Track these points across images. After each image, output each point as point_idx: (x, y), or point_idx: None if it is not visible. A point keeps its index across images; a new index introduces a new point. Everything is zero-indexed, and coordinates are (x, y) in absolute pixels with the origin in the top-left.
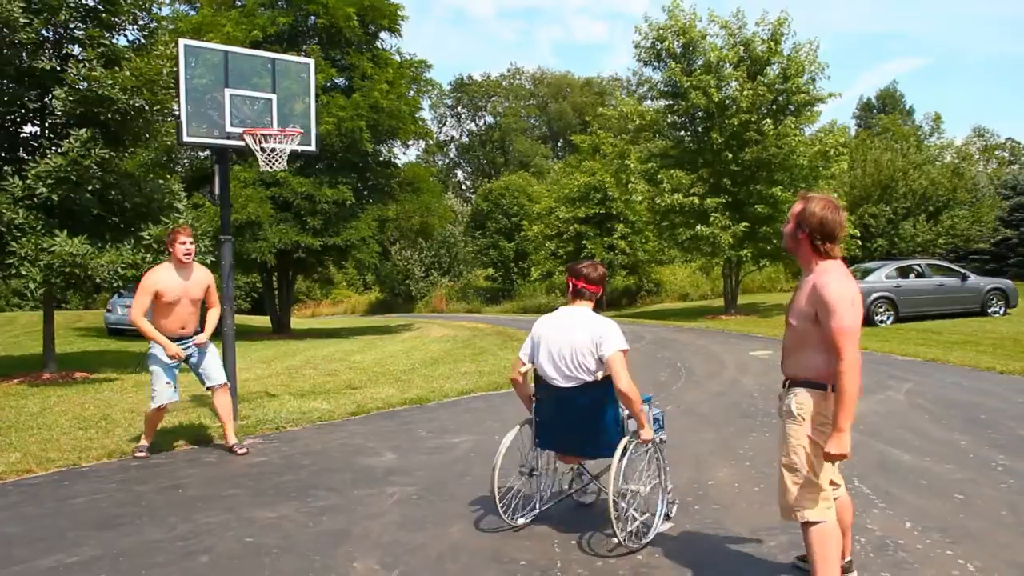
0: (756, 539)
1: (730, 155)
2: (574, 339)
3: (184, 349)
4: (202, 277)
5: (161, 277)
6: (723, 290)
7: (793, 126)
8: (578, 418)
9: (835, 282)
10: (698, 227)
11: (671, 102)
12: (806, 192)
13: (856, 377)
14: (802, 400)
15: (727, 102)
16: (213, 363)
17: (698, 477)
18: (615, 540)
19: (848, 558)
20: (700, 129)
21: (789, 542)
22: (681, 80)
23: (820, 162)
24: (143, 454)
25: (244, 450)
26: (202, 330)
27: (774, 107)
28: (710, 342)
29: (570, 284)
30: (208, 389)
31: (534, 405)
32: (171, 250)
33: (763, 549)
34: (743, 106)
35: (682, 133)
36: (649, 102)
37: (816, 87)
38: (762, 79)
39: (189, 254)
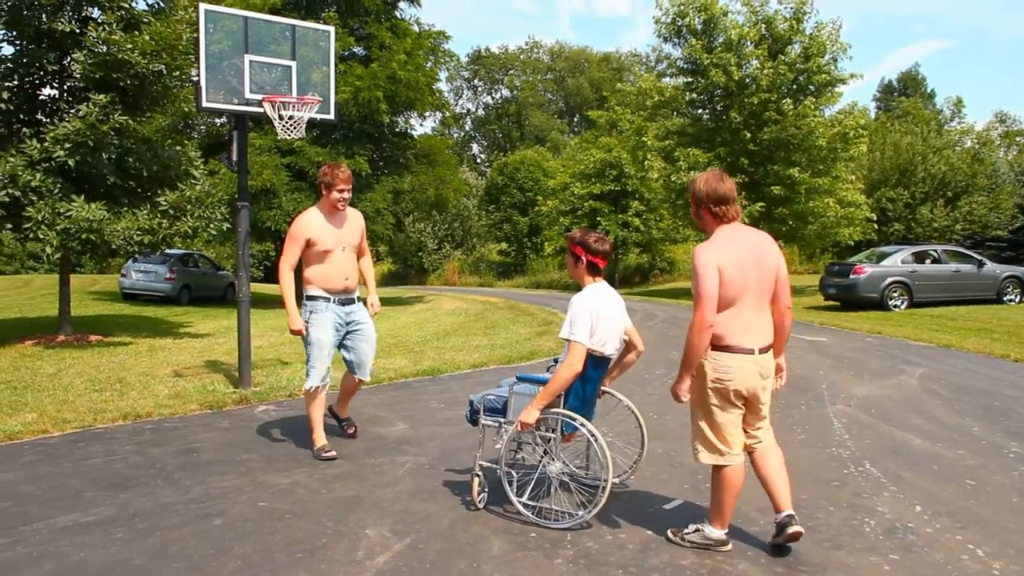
0: (764, 518)
1: (748, 134)
2: (624, 313)
3: (348, 313)
4: (356, 220)
5: (312, 222)
6: None
7: (813, 106)
8: (599, 385)
9: (703, 249)
10: None
11: (690, 79)
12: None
13: (696, 338)
14: (705, 362)
15: (747, 80)
16: (370, 352)
17: None
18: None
19: (787, 512)
20: (719, 107)
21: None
22: (701, 57)
23: (839, 144)
24: (330, 454)
25: (352, 430)
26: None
27: (794, 87)
28: None
29: (586, 259)
30: (357, 378)
31: (583, 387)
32: (324, 193)
33: (771, 528)
34: (763, 85)
35: (700, 111)
36: (668, 79)
37: (837, 68)
38: (783, 58)
39: (344, 203)
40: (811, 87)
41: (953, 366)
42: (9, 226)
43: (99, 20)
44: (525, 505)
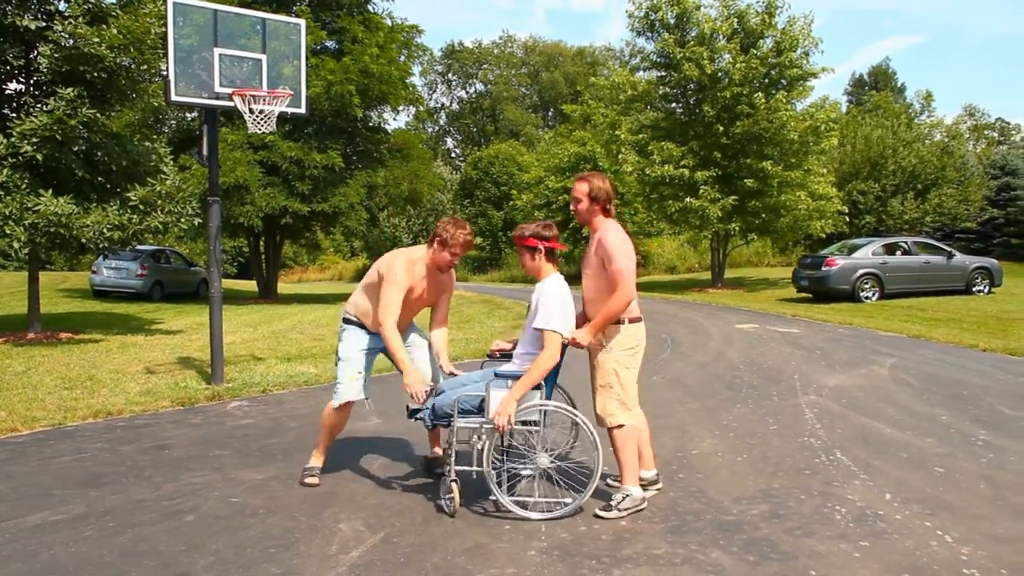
0: (737, 507)
1: (721, 128)
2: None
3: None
4: (448, 284)
5: (416, 271)
6: (710, 263)
7: (785, 100)
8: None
9: (616, 237)
10: (687, 199)
11: (663, 73)
12: (580, 175)
13: (620, 306)
14: (609, 334)
15: (719, 74)
16: (425, 357)
17: (682, 446)
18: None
19: (654, 471)
20: (692, 101)
21: (770, 511)
22: (674, 51)
23: (810, 137)
24: (314, 479)
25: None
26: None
27: (766, 81)
28: (696, 314)
29: (543, 247)
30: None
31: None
32: (435, 247)
33: (744, 517)
34: (735, 79)
35: (673, 105)
36: (641, 73)
37: (809, 62)
38: (755, 52)
39: (451, 267)
40: (783, 81)
41: (923, 356)
42: None
43: (65, 14)
44: (513, 501)
